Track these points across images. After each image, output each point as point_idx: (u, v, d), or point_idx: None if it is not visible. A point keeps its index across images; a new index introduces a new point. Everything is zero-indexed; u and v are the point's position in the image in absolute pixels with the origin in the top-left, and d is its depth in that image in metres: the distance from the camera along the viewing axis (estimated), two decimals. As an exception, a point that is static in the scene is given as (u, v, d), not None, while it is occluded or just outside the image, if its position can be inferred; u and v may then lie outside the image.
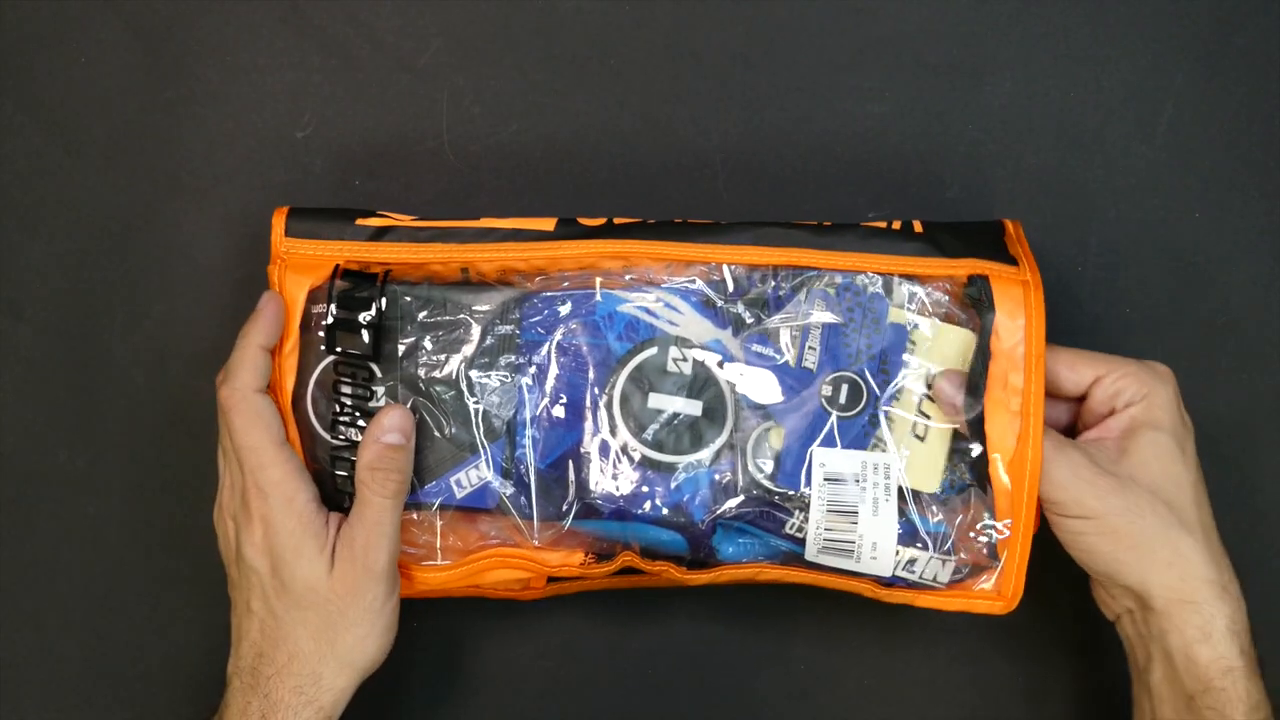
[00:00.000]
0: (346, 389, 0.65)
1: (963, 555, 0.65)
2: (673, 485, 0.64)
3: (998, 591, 0.65)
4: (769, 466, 0.64)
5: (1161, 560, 0.62)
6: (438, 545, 0.66)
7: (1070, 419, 0.67)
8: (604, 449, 0.64)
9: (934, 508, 0.64)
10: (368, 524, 0.63)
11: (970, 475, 0.64)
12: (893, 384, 0.64)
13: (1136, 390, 0.64)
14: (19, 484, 0.73)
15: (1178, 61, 0.73)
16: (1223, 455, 0.73)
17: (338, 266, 0.65)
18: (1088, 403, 0.66)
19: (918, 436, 0.64)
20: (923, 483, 0.64)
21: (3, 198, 0.73)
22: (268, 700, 0.62)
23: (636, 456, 0.64)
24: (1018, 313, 0.63)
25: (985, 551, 0.65)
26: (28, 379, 0.73)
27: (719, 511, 0.64)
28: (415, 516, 0.65)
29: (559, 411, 0.65)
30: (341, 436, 0.65)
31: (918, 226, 0.65)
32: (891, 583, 0.65)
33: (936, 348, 0.64)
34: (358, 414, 0.65)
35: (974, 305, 0.64)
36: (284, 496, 0.62)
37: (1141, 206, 0.73)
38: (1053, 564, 0.71)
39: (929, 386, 0.64)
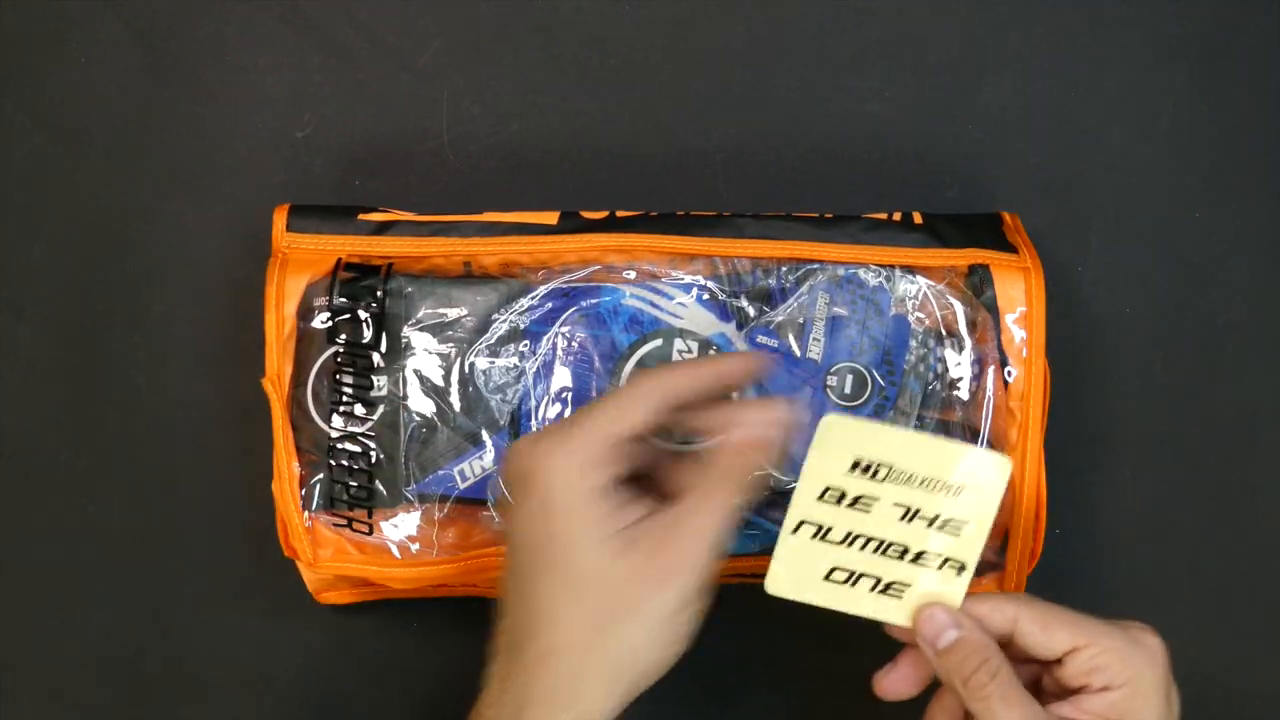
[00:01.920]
0: (348, 379, 0.65)
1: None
2: None
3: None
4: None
5: None
6: (434, 538, 0.65)
7: (1034, 677, 0.59)
8: None
9: None
10: (703, 510, 0.54)
11: None
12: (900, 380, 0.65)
13: (1119, 672, 0.55)
14: (19, 484, 0.73)
15: (1178, 61, 0.73)
16: (1223, 455, 0.73)
17: (340, 259, 0.65)
18: (1061, 670, 0.56)
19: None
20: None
21: (3, 198, 0.73)
22: (524, 691, 0.53)
23: None
24: (1019, 300, 0.64)
25: (993, 549, 0.65)
26: (28, 379, 0.73)
27: None
28: (414, 508, 0.65)
29: (563, 404, 0.65)
30: (340, 427, 0.65)
31: (918, 218, 0.66)
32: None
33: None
34: (357, 404, 0.65)
35: (975, 294, 0.65)
36: (579, 466, 0.53)
37: (1141, 206, 0.73)
38: (1054, 563, 0.71)
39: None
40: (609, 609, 0.53)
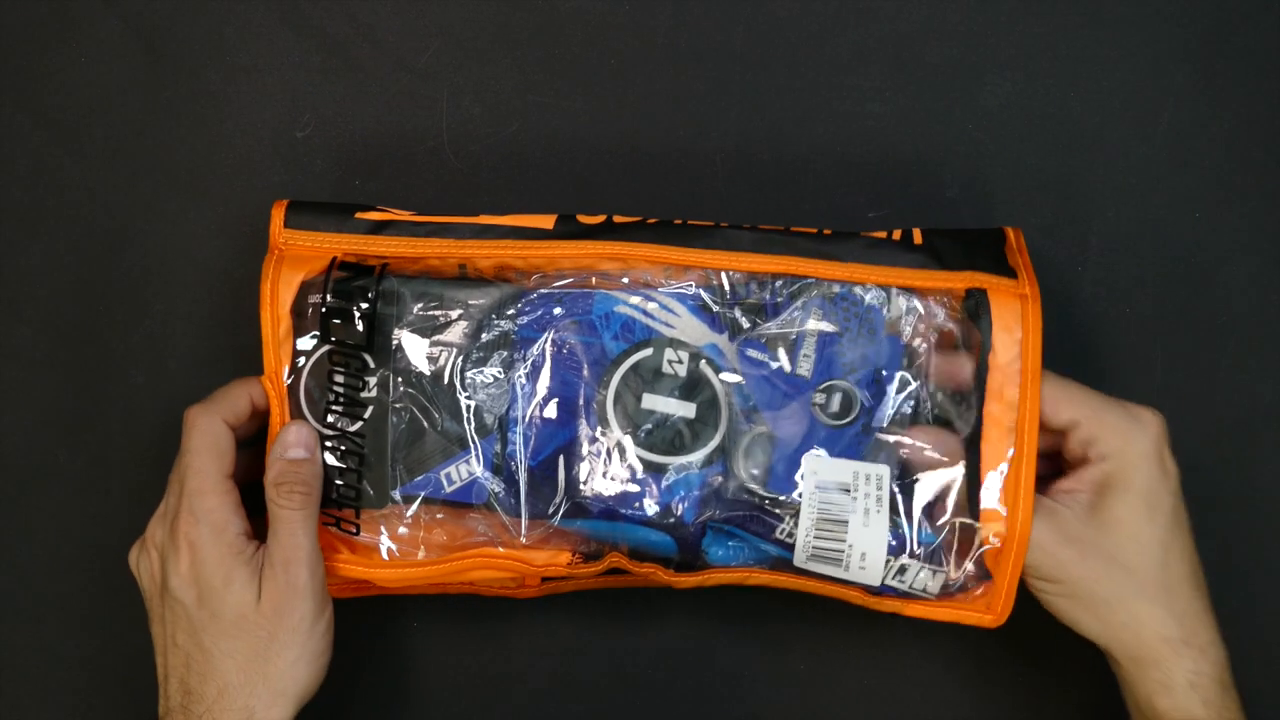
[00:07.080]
0: (340, 378, 0.65)
1: (953, 569, 0.64)
2: (663, 486, 0.64)
3: (987, 605, 0.65)
4: (760, 471, 0.64)
5: (1117, 623, 0.63)
6: (420, 539, 0.65)
7: (1052, 446, 0.65)
8: (596, 448, 0.64)
9: (926, 519, 0.64)
10: (282, 540, 0.63)
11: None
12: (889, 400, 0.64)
13: (1110, 443, 0.62)
14: (19, 484, 0.73)
15: (1178, 61, 0.73)
16: (1223, 455, 0.73)
17: (335, 258, 0.65)
18: (1066, 443, 0.64)
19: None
20: None
21: (3, 198, 0.73)
22: None
23: (628, 456, 0.64)
24: (1015, 327, 0.63)
25: (974, 568, 0.64)
26: (28, 379, 0.73)
27: (709, 514, 0.64)
28: (403, 509, 0.65)
29: (552, 409, 0.64)
30: (333, 426, 0.65)
31: (917, 237, 0.65)
32: (880, 591, 0.65)
33: None
34: (348, 404, 0.65)
35: (971, 319, 0.64)
36: (216, 524, 0.62)
37: (1141, 206, 0.73)
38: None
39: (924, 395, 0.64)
40: (259, 647, 0.62)
